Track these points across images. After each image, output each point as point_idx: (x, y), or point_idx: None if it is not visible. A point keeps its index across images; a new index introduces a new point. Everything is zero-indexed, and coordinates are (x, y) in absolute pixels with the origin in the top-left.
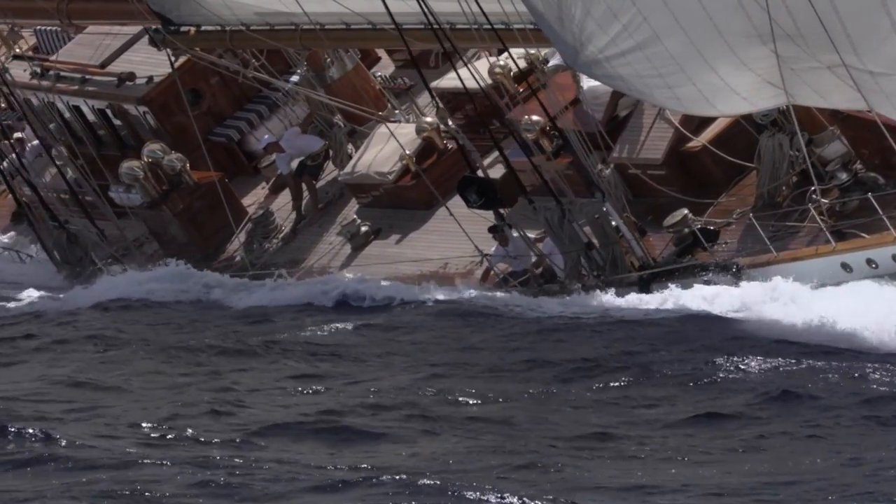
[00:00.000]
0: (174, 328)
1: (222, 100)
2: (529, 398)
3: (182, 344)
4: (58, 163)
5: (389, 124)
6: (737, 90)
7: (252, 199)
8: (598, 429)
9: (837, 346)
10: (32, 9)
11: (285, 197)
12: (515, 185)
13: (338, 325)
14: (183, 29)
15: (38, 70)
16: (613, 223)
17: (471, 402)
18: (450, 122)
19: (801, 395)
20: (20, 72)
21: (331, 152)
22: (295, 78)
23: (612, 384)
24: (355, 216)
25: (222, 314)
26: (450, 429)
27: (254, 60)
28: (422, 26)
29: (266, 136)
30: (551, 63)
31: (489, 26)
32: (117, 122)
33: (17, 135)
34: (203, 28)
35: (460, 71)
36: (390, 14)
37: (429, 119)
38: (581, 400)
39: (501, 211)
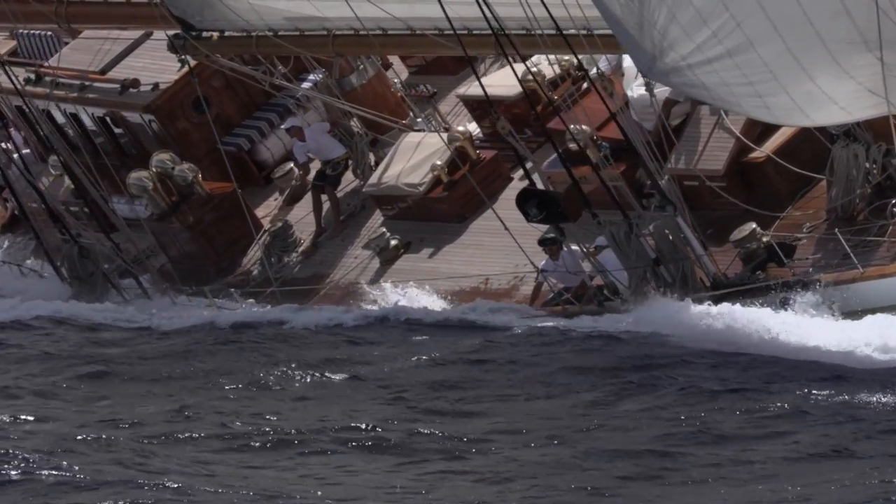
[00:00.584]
0: None
1: (230, 107)
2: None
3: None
4: (55, 173)
5: (419, 133)
6: (835, 99)
7: (264, 211)
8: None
9: None
10: (26, 12)
11: (302, 208)
12: (580, 197)
13: (425, 357)
14: (205, 34)
15: (33, 76)
16: (683, 237)
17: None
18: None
19: None
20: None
21: (350, 162)
22: (307, 83)
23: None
24: (384, 229)
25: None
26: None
27: (280, 67)
28: (464, 31)
29: (292, 119)
30: (594, 70)
31: (552, 31)
32: (118, 130)
33: (2, 146)
34: (227, 34)
35: (491, 77)
36: (449, 19)
37: (460, 128)
38: None
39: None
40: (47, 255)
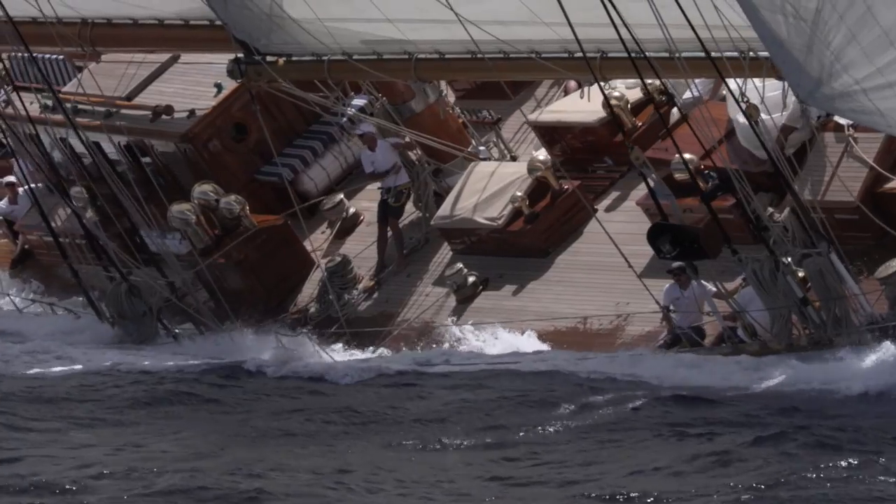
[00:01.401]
0: None
1: (270, 136)
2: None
3: None
4: (77, 205)
5: (492, 163)
6: None
7: (311, 245)
8: None
9: None
10: (40, 35)
11: (355, 242)
12: (719, 233)
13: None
14: (269, 59)
15: (50, 103)
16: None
17: None
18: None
19: None
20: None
21: (411, 193)
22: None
23: None
24: (460, 265)
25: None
26: None
27: (341, 94)
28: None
29: (365, 125)
30: (687, 94)
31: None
32: (145, 159)
33: (9, 179)
34: (295, 58)
35: (562, 102)
36: (579, 42)
37: (541, 157)
38: None
39: (695, 263)
40: (86, 293)
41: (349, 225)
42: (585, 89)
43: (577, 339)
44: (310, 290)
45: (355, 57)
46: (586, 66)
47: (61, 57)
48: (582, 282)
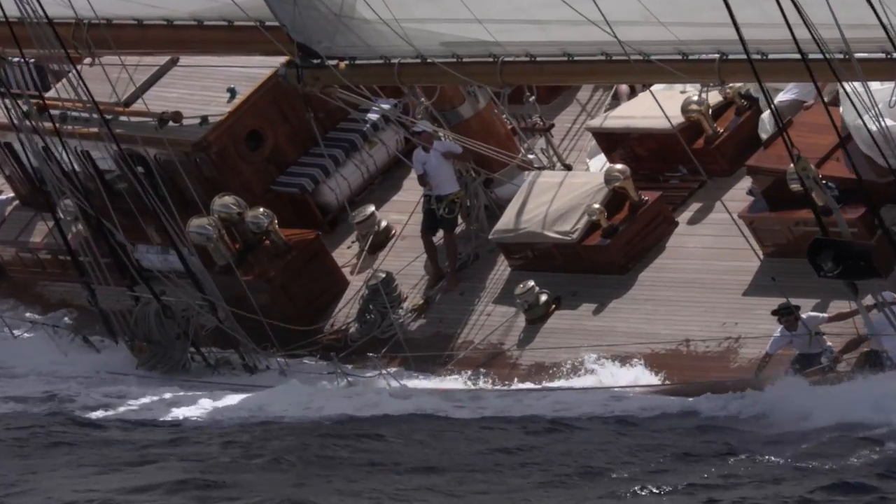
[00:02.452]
0: None
1: (285, 143)
2: None
3: None
4: (66, 219)
5: (557, 172)
6: None
7: (338, 261)
8: None
9: None
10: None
11: (389, 259)
12: (891, 249)
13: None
14: (327, 63)
15: (33, 108)
16: None
17: None
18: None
19: None
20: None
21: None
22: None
23: None
24: (532, 283)
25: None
26: None
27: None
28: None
29: (422, 122)
30: (782, 96)
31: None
32: (140, 169)
33: None
34: (359, 62)
35: (627, 107)
36: (743, 42)
37: (619, 166)
38: None
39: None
40: (103, 315)
41: (381, 239)
42: (645, 93)
43: (684, 363)
44: (344, 309)
45: (430, 60)
46: (703, 70)
47: (31, 60)
48: (674, 300)
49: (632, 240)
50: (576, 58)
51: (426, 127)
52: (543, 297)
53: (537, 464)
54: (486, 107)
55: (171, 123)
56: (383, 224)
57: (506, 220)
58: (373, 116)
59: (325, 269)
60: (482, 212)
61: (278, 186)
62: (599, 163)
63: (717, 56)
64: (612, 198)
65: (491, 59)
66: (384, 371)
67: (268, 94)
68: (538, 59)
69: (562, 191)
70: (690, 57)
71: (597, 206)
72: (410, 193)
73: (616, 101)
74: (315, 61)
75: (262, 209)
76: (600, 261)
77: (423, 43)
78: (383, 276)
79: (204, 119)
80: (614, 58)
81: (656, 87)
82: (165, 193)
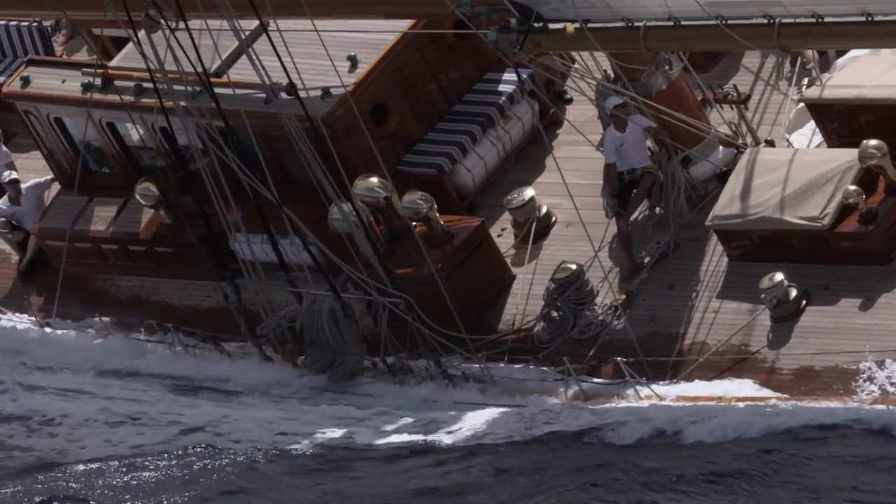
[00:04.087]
0: None
1: (410, 119)
2: None
3: None
4: (145, 203)
5: (784, 149)
6: None
7: None
8: None
9: None
10: None
11: (553, 248)
12: None
13: None
14: (551, 27)
15: (95, 80)
16: None
17: None
18: None
19: None
20: (51, 82)
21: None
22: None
23: None
24: (780, 276)
25: None
26: None
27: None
28: None
29: (613, 98)
30: None
31: None
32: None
33: (11, 175)
34: (591, 25)
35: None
36: None
37: (873, 142)
38: None
39: None
40: (242, 314)
41: (542, 226)
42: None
43: None
44: (511, 305)
45: (684, 23)
46: None
47: (32, 22)
48: None
49: (894, 225)
50: (876, 18)
51: (617, 101)
52: (794, 292)
53: None
54: (679, 76)
55: (282, 96)
56: (543, 209)
57: (726, 204)
58: (508, 88)
59: (489, 260)
60: (682, 195)
61: (406, 167)
62: (803, 139)
63: None
64: (863, 179)
65: (766, 21)
66: (637, 378)
67: (392, 64)
68: (825, 20)
69: (795, 170)
70: None
71: (853, 187)
72: (556, 174)
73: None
74: (536, 24)
75: (419, 193)
76: (858, 250)
77: (679, 3)
78: (573, 268)
79: (325, 91)
80: None
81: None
82: (268, 174)
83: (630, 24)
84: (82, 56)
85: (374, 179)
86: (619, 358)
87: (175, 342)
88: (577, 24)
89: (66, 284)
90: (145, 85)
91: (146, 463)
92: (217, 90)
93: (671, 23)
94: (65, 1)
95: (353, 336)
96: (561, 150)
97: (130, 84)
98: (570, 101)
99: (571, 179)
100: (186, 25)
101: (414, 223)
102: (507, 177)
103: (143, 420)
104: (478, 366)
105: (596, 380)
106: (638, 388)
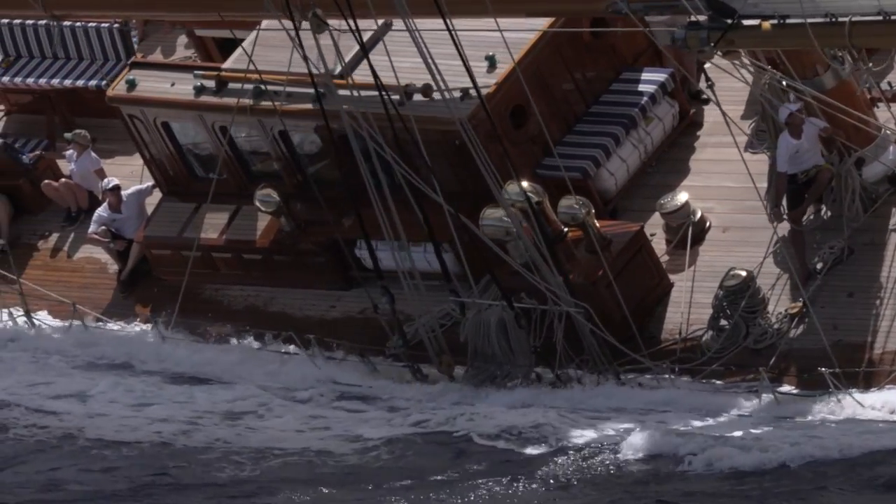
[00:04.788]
0: None
1: (548, 120)
2: None
3: None
4: (266, 210)
5: None
6: None
7: None
8: None
9: None
10: None
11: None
12: None
13: None
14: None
15: (205, 83)
16: None
17: None
18: None
19: None
20: (159, 85)
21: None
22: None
23: None
24: None
25: None
26: None
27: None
28: None
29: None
30: None
31: None
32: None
33: (112, 181)
34: (790, 21)
35: None
36: None
37: None
38: None
39: None
40: (397, 325)
41: (696, 231)
42: None
43: None
44: (672, 314)
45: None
46: None
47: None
48: None
49: None
50: None
51: (794, 108)
52: None
53: None
54: (851, 75)
55: (415, 98)
56: (698, 214)
57: None
58: (649, 87)
59: (648, 266)
60: (857, 197)
61: (545, 170)
62: None
63: None
64: None
65: None
66: (844, 388)
67: (532, 64)
68: None
69: None
70: None
71: None
72: (704, 178)
73: None
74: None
75: (575, 197)
76: None
77: None
78: (744, 274)
79: (465, 92)
80: None
81: None
82: (402, 179)
83: (833, 20)
84: (157, 57)
85: (526, 183)
86: (822, 368)
87: (315, 354)
88: (773, 21)
89: (171, 295)
90: (268, 87)
91: None
92: (341, 92)
93: (880, 17)
94: (221, 1)
95: (522, 347)
96: (705, 153)
97: (239, 87)
98: (706, 101)
99: (721, 182)
100: (356, 26)
101: (567, 229)
102: (649, 180)
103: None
104: (664, 377)
105: (795, 390)
106: (842, 397)
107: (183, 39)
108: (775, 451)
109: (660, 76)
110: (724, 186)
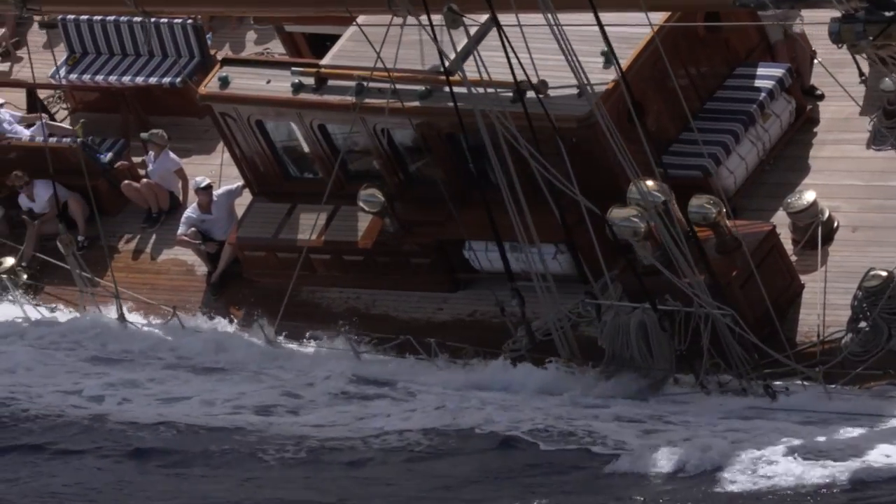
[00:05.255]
0: None
1: (664, 118)
2: None
3: None
4: (369, 209)
5: None
6: None
7: None
8: None
9: None
10: None
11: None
12: None
13: None
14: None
15: (303, 80)
16: None
17: None
18: None
19: None
20: (254, 83)
21: None
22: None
23: None
24: None
25: None
26: None
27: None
28: None
29: None
30: None
31: None
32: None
33: (204, 180)
34: None
35: None
36: None
37: None
38: None
39: None
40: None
41: (825, 231)
42: None
43: None
44: (805, 316)
45: None
46: None
47: (189, 20)
48: None
49: None
50: None
51: None
52: None
53: None
54: None
55: (531, 96)
56: (826, 213)
57: None
58: (766, 83)
59: (780, 267)
60: None
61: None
62: None
63: None
64: None
65: None
66: None
67: (649, 60)
68: None
69: None
70: None
71: None
72: (826, 176)
73: None
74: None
75: (706, 196)
76: None
77: None
78: (884, 274)
79: (581, 90)
80: None
81: None
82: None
83: None
84: (226, 53)
85: (651, 183)
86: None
87: (436, 356)
88: None
89: (266, 297)
90: (374, 85)
91: None
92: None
93: None
94: None
95: (664, 351)
96: (824, 150)
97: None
98: (821, 97)
99: (844, 181)
100: (496, 20)
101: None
102: (767, 178)
103: None
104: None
105: None
106: None
107: (252, 35)
108: None
109: (777, 71)
110: (849, 185)
